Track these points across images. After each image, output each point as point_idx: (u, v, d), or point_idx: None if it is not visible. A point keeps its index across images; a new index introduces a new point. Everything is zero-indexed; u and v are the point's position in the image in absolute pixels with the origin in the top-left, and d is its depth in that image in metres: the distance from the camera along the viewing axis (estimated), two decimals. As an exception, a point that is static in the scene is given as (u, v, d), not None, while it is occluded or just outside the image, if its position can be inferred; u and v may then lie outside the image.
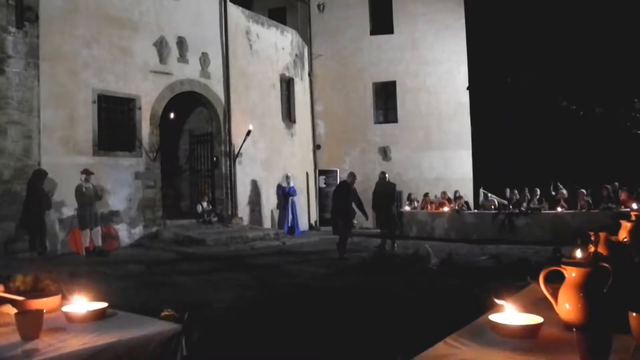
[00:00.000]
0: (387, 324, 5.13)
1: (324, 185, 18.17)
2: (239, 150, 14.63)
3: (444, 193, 15.87)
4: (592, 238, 2.38)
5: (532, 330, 1.58)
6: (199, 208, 13.91)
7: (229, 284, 7.71)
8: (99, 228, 10.99)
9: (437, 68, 18.73)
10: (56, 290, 2.26)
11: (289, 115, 17.48)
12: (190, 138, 15.80)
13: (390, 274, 8.60)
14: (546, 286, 1.71)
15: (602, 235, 2.41)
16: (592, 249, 2.30)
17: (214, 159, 14.81)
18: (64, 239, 11.18)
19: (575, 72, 17.13)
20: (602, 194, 13.12)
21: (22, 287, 2.25)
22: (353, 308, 6.11)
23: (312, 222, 18.17)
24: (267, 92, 16.41)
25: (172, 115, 13.34)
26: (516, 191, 14.60)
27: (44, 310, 1.94)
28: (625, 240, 2.68)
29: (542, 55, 19.09)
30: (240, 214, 14.91)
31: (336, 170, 18.52)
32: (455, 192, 15.78)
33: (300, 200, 16.68)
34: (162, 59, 13.18)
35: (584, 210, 12.68)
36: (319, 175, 18.34)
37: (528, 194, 14.18)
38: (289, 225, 15.40)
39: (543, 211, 13.27)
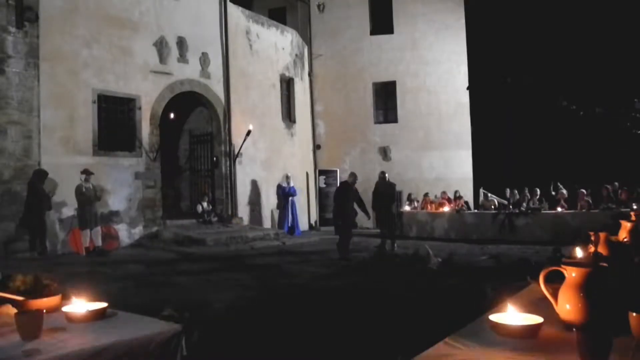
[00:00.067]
0: (387, 324, 5.13)
1: (324, 185, 18.17)
2: (239, 150, 14.63)
3: (444, 193, 15.87)
4: (592, 238, 2.39)
5: (532, 330, 1.58)
6: (199, 208, 13.92)
7: (229, 284, 7.71)
8: (99, 228, 10.99)
9: (437, 68, 18.73)
10: (56, 290, 2.26)
11: (289, 115, 17.48)
12: (190, 138, 15.80)
13: (390, 274, 8.60)
14: (546, 286, 1.71)
15: (602, 235, 2.41)
16: (592, 249, 2.30)
17: (214, 159, 14.81)
18: (64, 239, 11.18)
19: (575, 72, 17.13)
20: (602, 194, 13.12)
21: (22, 287, 2.25)
22: (353, 308, 6.11)
23: (312, 222, 18.17)
24: (267, 92, 16.41)
25: (172, 115, 13.35)
26: (516, 191, 14.60)
27: (44, 310, 1.94)
28: (625, 240, 2.68)
29: (542, 55, 19.09)
30: (240, 214, 14.91)
31: (336, 170, 18.51)
32: (455, 192, 15.78)
33: (300, 200, 16.68)
34: (162, 59, 13.18)
35: (584, 210, 12.68)
36: (319, 175, 18.34)
37: (528, 194, 14.18)
38: (289, 225, 15.40)
39: (543, 211, 13.27)
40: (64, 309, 2.10)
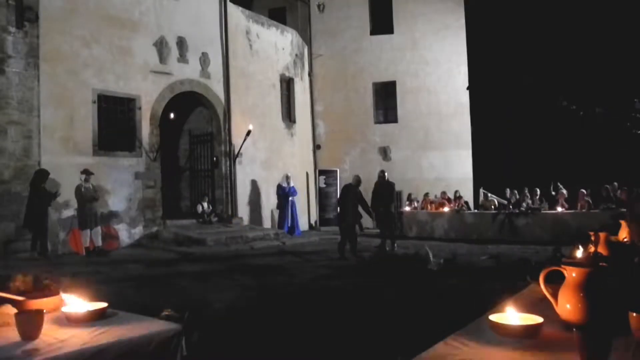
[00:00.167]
0: (387, 324, 5.13)
1: (324, 185, 18.17)
2: (239, 150, 14.63)
3: (444, 193, 15.87)
4: (592, 238, 2.38)
5: (532, 330, 1.58)
6: (199, 208, 13.92)
7: (229, 284, 7.71)
8: (99, 228, 10.99)
9: (437, 68, 18.73)
10: (56, 290, 2.26)
11: (289, 115, 17.48)
12: (190, 138, 15.80)
13: (390, 274, 8.60)
14: (546, 286, 1.71)
15: (602, 235, 2.41)
16: (592, 249, 2.30)
17: (214, 159, 14.81)
18: (64, 239, 11.18)
19: (575, 72, 17.11)
20: (602, 194, 13.13)
21: (22, 287, 2.25)
22: (353, 308, 6.11)
23: (312, 222, 18.17)
24: (267, 92, 16.41)
25: (172, 115, 13.34)
26: (516, 191, 14.60)
27: (44, 310, 1.94)
28: (625, 240, 2.68)
29: (542, 55, 19.08)
30: (240, 214, 14.91)
31: (336, 170, 18.52)
32: (455, 192, 15.78)
33: (300, 200, 16.68)
34: (162, 59, 13.19)
35: (584, 210, 12.68)
36: (319, 175, 18.34)
37: (528, 194, 14.17)
38: (289, 225, 15.40)
39: (543, 211, 13.28)
40: (64, 309, 2.10)
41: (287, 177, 15.80)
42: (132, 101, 12.62)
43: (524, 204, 13.77)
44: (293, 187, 15.73)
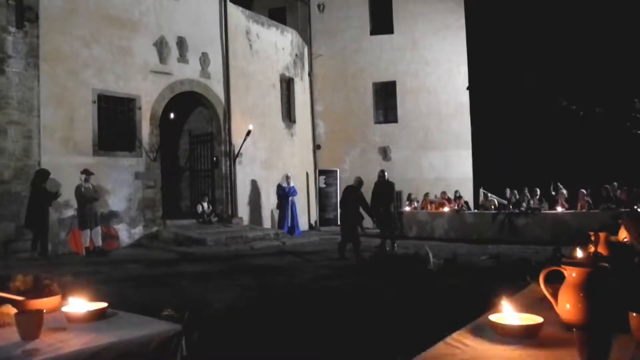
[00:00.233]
0: (387, 324, 5.13)
1: (324, 185, 18.18)
2: (239, 150, 14.63)
3: (444, 193, 15.87)
4: (592, 238, 2.38)
5: (532, 330, 1.58)
6: (199, 208, 13.92)
7: (229, 284, 7.72)
8: (99, 228, 10.99)
9: (437, 68, 18.73)
10: (56, 290, 2.26)
11: (289, 115, 17.48)
12: (190, 138, 15.80)
13: (390, 274, 8.60)
14: (546, 286, 1.71)
15: (602, 235, 2.41)
16: (592, 249, 2.29)
17: (214, 159, 14.81)
18: (64, 239, 11.18)
19: (575, 72, 17.11)
20: (602, 194, 13.13)
21: (22, 287, 2.25)
22: (353, 308, 6.11)
23: (312, 222, 18.17)
24: (267, 92, 16.41)
25: (172, 115, 13.34)
26: (516, 191, 14.60)
27: (44, 310, 1.94)
28: (625, 240, 2.68)
29: (542, 55, 19.07)
30: (240, 214, 14.92)
31: (336, 170, 18.52)
32: (455, 192, 15.78)
33: (300, 200, 16.68)
34: (162, 59, 13.19)
35: (584, 210, 12.68)
36: (319, 175, 18.35)
37: (528, 194, 14.18)
38: (289, 225, 15.40)
39: (543, 211, 13.27)
40: (64, 309, 2.10)
41: (287, 177, 15.80)
42: (132, 101, 12.62)
43: (524, 204, 13.77)
44: (293, 187, 15.74)
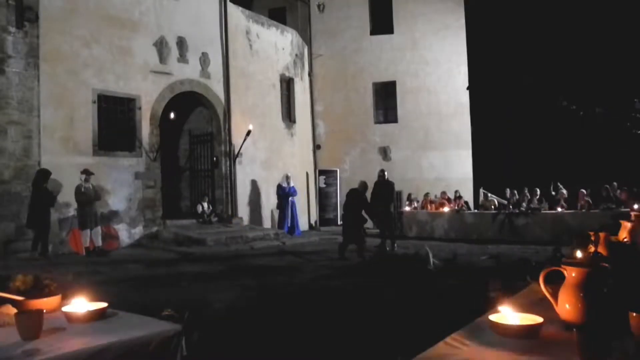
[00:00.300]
0: (387, 324, 5.13)
1: (324, 185, 18.18)
2: (239, 150, 14.63)
3: (444, 193, 15.87)
4: (592, 238, 2.39)
5: (532, 330, 1.58)
6: (199, 208, 13.92)
7: (229, 284, 7.71)
8: (99, 228, 10.99)
9: (437, 68, 18.73)
10: (56, 290, 2.26)
11: (289, 115, 17.48)
12: (190, 138, 15.80)
13: (390, 274, 8.60)
14: (546, 286, 1.71)
15: (602, 235, 2.41)
16: (592, 249, 2.30)
17: (214, 159, 14.81)
18: (64, 239, 11.18)
19: (575, 72, 17.11)
20: (602, 194, 13.12)
21: (22, 287, 2.25)
22: (353, 308, 6.11)
23: (312, 222, 18.17)
24: (267, 92, 16.41)
25: (172, 115, 13.34)
26: (516, 191, 14.59)
27: (44, 310, 1.94)
28: (625, 240, 2.68)
29: (542, 55, 19.08)
30: (240, 214, 14.91)
31: (336, 170, 18.53)
32: (455, 192, 15.78)
33: (300, 200, 16.68)
34: (162, 59, 13.18)
35: (584, 210, 12.68)
36: (319, 175, 18.35)
37: (528, 194, 14.17)
38: (289, 225, 15.41)
39: (543, 211, 13.27)
40: (64, 309, 2.10)
41: (287, 177, 15.80)
42: (132, 101, 12.61)
43: (524, 204, 13.76)
44: (293, 187, 15.74)
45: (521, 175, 16.27)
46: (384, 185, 11.67)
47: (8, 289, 2.24)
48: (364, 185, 10.95)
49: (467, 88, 18.50)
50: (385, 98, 19.22)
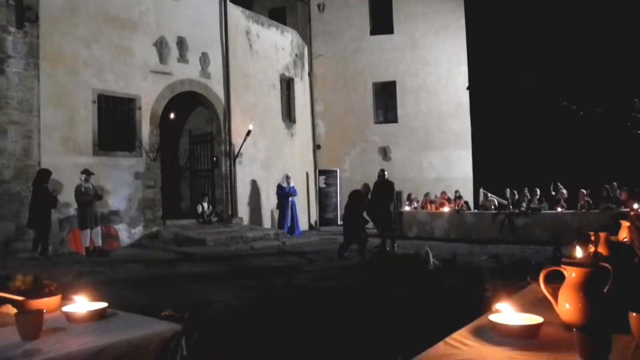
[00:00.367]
0: (387, 324, 5.13)
1: (324, 185, 18.18)
2: (239, 150, 14.63)
3: (444, 193, 15.86)
4: (592, 238, 2.38)
5: (532, 330, 1.58)
6: (199, 208, 13.92)
7: (229, 284, 7.71)
8: (99, 228, 10.98)
9: (437, 68, 18.73)
10: (56, 290, 2.26)
11: (289, 115, 17.48)
12: (190, 138, 15.80)
13: (390, 274, 8.59)
14: (546, 286, 1.71)
15: (602, 235, 2.41)
16: (592, 249, 2.29)
17: (214, 159, 14.81)
18: (64, 239, 11.18)
19: (575, 72, 17.12)
20: (602, 194, 13.12)
21: (22, 287, 2.25)
22: (353, 308, 6.11)
23: (312, 222, 18.17)
24: (267, 92, 16.41)
25: (172, 115, 13.34)
26: (516, 191, 14.59)
27: (44, 310, 1.94)
28: (625, 240, 2.68)
29: (542, 55, 19.08)
30: (240, 214, 14.91)
31: (336, 170, 18.52)
32: (455, 192, 15.77)
33: (300, 200, 16.68)
34: (162, 59, 13.18)
35: (584, 210, 12.68)
36: (319, 175, 18.35)
37: (528, 194, 14.17)
38: (289, 225, 15.41)
39: (543, 211, 13.27)
40: (64, 309, 2.10)
41: (287, 177, 15.80)
42: (132, 101, 12.61)
43: (524, 204, 13.76)
44: (293, 187, 15.74)
45: (521, 175, 16.27)
46: (384, 185, 11.68)
47: (8, 289, 2.24)
48: (366, 187, 11.10)
49: (467, 88, 18.50)
50: (385, 98, 19.22)
